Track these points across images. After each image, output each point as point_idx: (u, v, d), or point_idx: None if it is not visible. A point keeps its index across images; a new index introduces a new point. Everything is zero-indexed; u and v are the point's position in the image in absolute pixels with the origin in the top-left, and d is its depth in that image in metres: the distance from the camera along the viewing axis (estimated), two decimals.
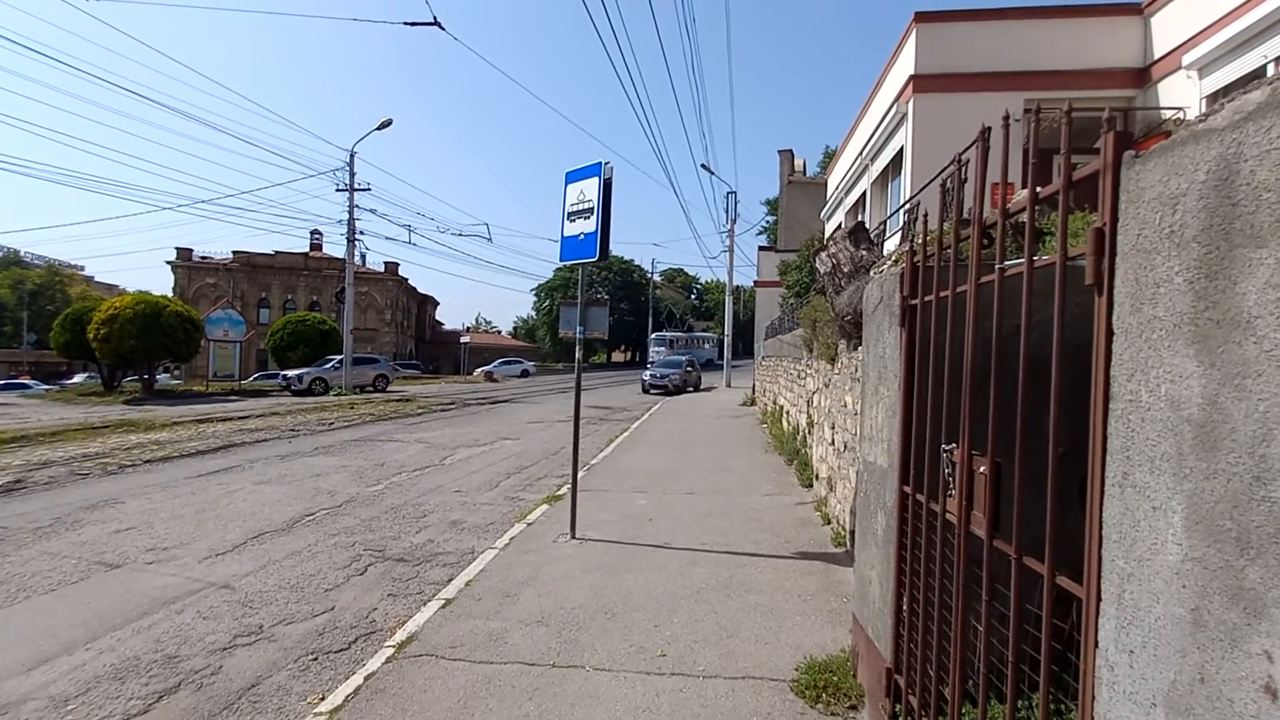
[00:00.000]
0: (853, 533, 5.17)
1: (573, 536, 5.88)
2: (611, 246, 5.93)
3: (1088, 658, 1.39)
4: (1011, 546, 1.72)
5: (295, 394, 24.33)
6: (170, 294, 44.70)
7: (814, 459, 7.77)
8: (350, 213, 24.74)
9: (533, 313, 73.93)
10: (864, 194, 12.33)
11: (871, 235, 5.31)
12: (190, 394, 23.44)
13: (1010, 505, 1.74)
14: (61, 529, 6.26)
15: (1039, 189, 1.72)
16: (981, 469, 1.91)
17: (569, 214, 6.15)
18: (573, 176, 6.15)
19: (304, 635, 4.08)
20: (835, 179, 16.47)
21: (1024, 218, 1.98)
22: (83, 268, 68.88)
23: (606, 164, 5.84)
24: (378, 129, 24.48)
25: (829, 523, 6.17)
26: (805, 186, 26.10)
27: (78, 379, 37.49)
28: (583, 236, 5.94)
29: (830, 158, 48.89)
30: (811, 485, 7.77)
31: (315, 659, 3.78)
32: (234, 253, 47.80)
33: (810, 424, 8.09)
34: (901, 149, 9.88)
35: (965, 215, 2.16)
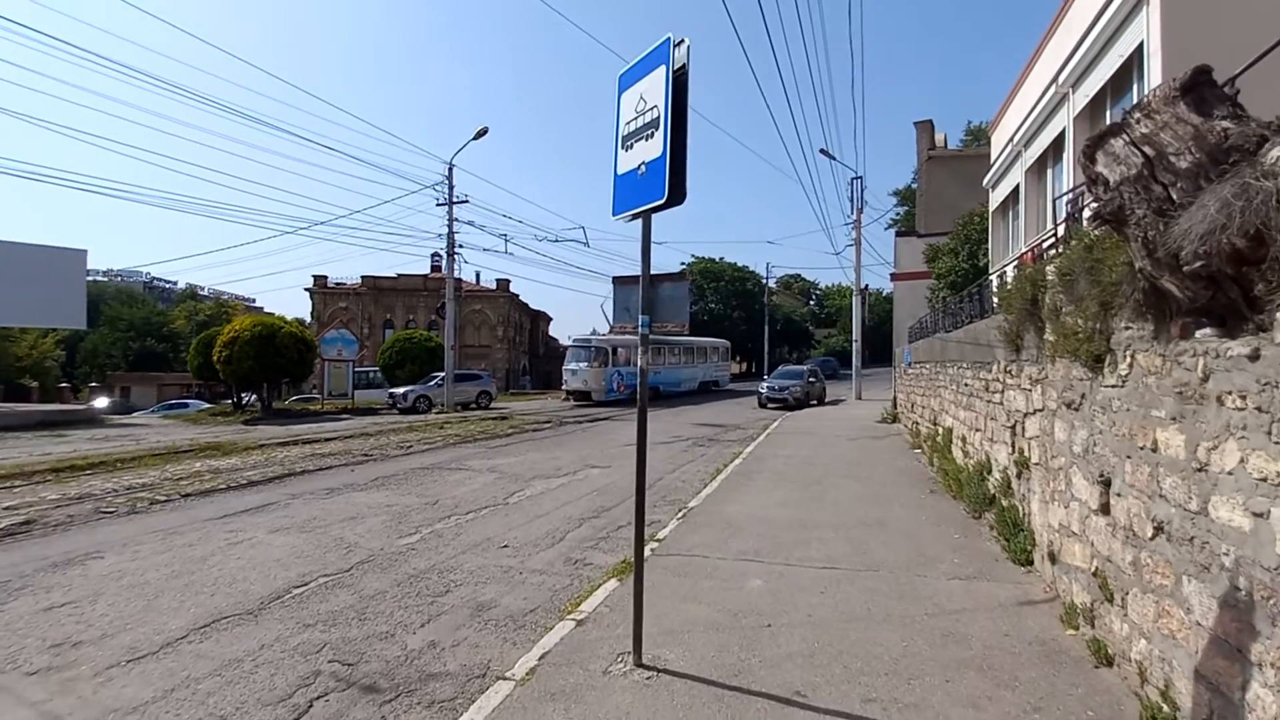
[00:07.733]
0: None
1: (637, 663, 3.54)
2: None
3: None
4: None
5: (402, 411, 24.10)
6: (308, 318, 48.18)
7: (1035, 521, 4.87)
8: (450, 226, 24.23)
9: None
10: (1061, 134, 8.99)
11: (1228, 91, 2.54)
12: (306, 413, 23.83)
13: None
14: None
15: None
16: None
17: (624, 140, 3.89)
18: (628, 79, 3.90)
19: None
20: (1004, 134, 12.97)
21: None
22: (254, 300, 76.75)
23: (678, 42, 3.52)
24: (474, 139, 23.84)
25: (1110, 664, 3.33)
26: (949, 161, 22.10)
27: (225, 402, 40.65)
28: (643, 169, 3.64)
29: (974, 134, 42.86)
30: (1031, 562, 4.88)
31: None
32: (362, 278, 50.63)
33: (1023, 463, 5.18)
34: (1140, 46, 6.62)
35: None
